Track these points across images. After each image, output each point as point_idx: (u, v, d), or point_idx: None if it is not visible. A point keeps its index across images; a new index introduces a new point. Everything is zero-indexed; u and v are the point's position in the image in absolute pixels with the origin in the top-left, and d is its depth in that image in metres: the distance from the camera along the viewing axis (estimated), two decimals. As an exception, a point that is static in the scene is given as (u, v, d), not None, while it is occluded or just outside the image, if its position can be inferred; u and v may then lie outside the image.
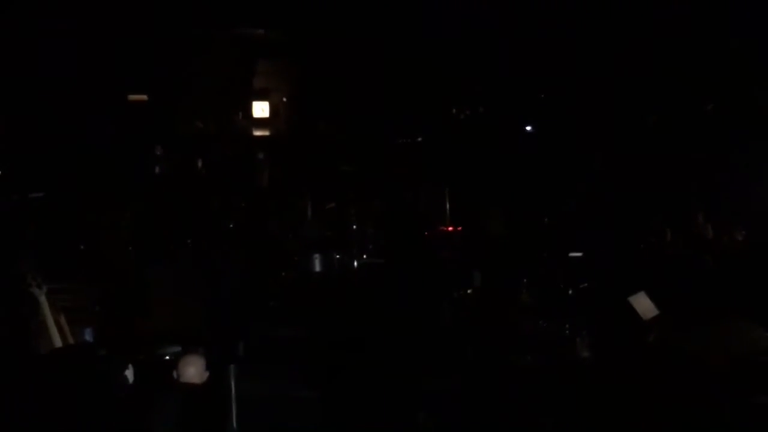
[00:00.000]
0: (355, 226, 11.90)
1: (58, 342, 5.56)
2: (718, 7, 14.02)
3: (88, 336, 9.83)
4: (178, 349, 7.92)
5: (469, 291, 9.86)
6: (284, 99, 19.38)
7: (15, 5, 12.79)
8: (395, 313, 9.44)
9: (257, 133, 18.98)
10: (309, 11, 15.12)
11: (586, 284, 11.48)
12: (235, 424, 6.02)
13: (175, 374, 5.60)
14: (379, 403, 7.47)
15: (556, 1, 14.43)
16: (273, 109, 19.04)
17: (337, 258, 11.72)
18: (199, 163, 18.64)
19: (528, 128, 18.89)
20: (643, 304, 11.11)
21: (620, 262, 10.42)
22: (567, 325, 10.62)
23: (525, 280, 12.15)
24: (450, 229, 10.94)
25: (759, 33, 14.01)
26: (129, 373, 5.34)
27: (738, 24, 14.14)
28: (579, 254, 11.47)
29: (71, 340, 5.87)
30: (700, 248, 13.46)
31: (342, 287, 11.26)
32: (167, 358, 7.57)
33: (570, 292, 11.25)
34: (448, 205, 11.67)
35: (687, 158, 15.32)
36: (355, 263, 11.28)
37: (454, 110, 19.09)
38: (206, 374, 5.71)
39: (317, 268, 11.30)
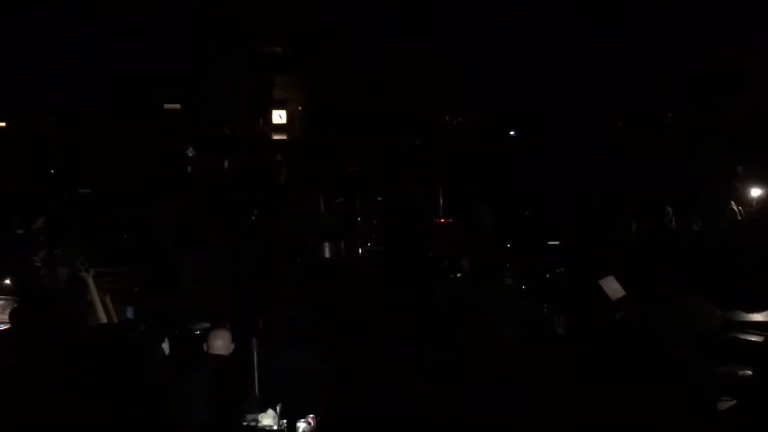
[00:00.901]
0: (360, 219, 11.87)
1: (103, 318, 5.57)
2: (680, 26, 14.00)
3: (130, 314, 9.83)
4: (207, 324, 7.93)
5: (459, 275, 9.84)
6: (299, 108, 19.36)
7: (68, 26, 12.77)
8: (395, 294, 9.44)
9: (276, 137, 18.97)
10: (321, 32, 15.09)
11: (561, 269, 11.48)
12: (257, 391, 6.02)
13: (205, 347, 5.61)
14: (382, 373, 7.47)
15: (539, 24, 14.42)
16: (289, 117, 19.03)
17: (344, 246, 11.69)
18: (226, 164, 18.64)
19: (512, 133, 18.89)
20: (612, 287, 11.10)
21: (591, 250, 10.41)
22: (545, 305, 10.62)
23: (508, 265, 12.15)
24: (442, 221, 10.92)
25: (714, 48, 13.99)
26: (165, 346, 5.35)
27: (696, 41, 14.13)
28: (556, 243, 11.46)
29: (115, 318, 5.88)
30: (663, 236, 13.47)
31: (348, 271, 11.25)
32: (198, 332, 7.57)
33: (547, 276, 11.24)
34: (441, 201, 11.64)
35: (651, 160, 15.31)
36: (360, 250, 11.26)
37: (447, 117, 19.08)
38: (232, 346, 5.72)
39: (327, 254, 11.28)
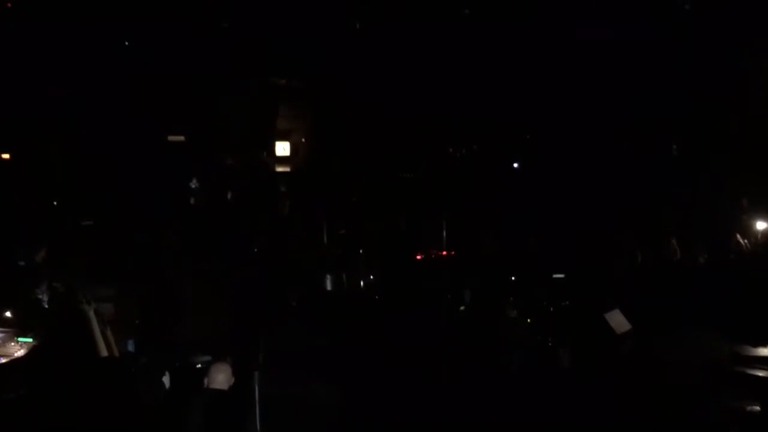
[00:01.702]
0: (361, 250, 11.83)
1: (104, 352, 5.52)
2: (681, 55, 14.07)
3: (131, 347, 9.78)
4: (208, 358, 7.87)
5: (461, 308, 9.77)
6: (303, 140, 19.43)
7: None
8: (398, 327, 9.38)
9: (279, 169, 19.01)
10: (324, 64, 15.21)
11: (567, 302, 11.41)
12: (258, 425, 5.94)
13: (206, 381, 5.55)
14: (387, 403, 7.42)
15: (540, 55, 14.53)
16: (293, 148, 19.09)
17: (346, 278, 11.62)
18: (229, 195, 18.65)
19: (515, 165, 18.93)
20: (617, 320, 11.02)
21: (596, 283, 10.35)
22: (550, 338, 10.55)
23: (511, 298, 12.07)
24: (444, 253, 10.88)
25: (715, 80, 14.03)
26: (166, 379, 5.30)
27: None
28: (561, 275, 11.41)
29: (116, 350, 5.83)
30: (669, 267, 13.41)
31: (350, 303, 11.18)
32: (199, 366, 7.50)
33: (551, 309, 11.19)
34: (444, 232, 11.61)
35: (657, 192, 15.31)
36: (362, 282, 11.20)
37: (450, 149, 19.12)
38: (232, 380, 5.66)
39: (329, 286, 11.22)
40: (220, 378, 5.58)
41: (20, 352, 8.39)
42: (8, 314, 9.58)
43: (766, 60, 13.08)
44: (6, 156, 15.27)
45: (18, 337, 8.97)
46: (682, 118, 14.92)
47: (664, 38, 13.66)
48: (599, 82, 14.12)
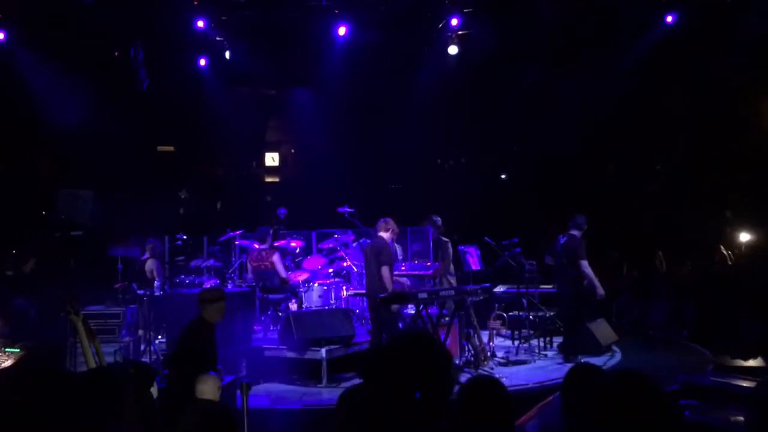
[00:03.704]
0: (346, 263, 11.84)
1: (92, 362, 5.51)
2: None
3: (119, 357, 9.77)
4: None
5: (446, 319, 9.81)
6: (292, 150, 19.45)
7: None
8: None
9: (268, 179, 19.02)
10: (315, 75, 15.25)
11: (553, 313, 11.47)
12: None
13: (195, 391, 5.56)
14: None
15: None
16: (282, 159, 19.12)
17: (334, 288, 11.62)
18: (218, 205, 18.65)
19: (503, 176, 19.05)
20: (603, 331, 11.10)
21: (581, 294, 10.40)
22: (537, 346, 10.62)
23: (496, 305, 12.14)
24: (429, 264, 10.90)
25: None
26: (154, 390, 5.29)
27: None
28: (550, 287, 11.48)
29: (104, 361, 5.82)
30: (655, 279, 13.54)
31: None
32: (187, 375, 7.49)
33: (533, 318, 11.24)
34: (431, 243, 11.65)
35: (642, 204, 15.47)
36: (344, 292, 11.21)
37: (438, 160, 19.22)
38: (219, 391, 5.67)
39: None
40: (207, 388, 5.59)
41: (7, 363, 8.38)
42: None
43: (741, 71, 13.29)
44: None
45: (5, 347, 8.97)
46: (664, 133, 15.08)
47: (650, 54, 13.82)
48: (588, 94, 14.26)
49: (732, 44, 12.77)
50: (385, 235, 9.41)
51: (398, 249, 11.14)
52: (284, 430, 7.39)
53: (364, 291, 10.46)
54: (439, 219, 11.48)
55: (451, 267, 11.44)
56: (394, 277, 9.53)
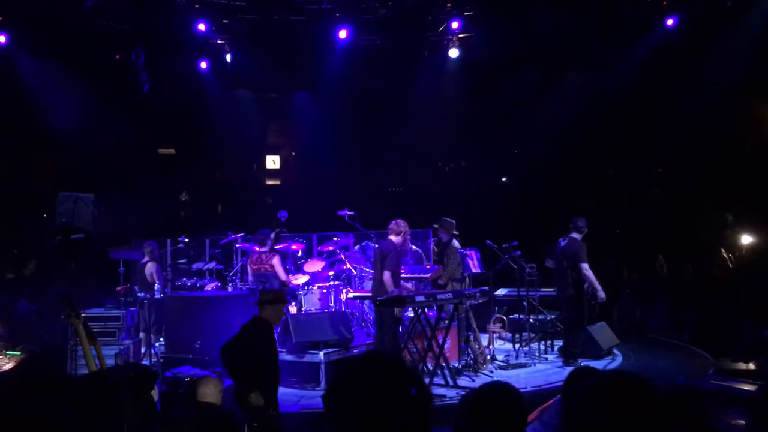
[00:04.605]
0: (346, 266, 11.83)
1: (92, 365, 5.51)
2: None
3: (119, 360, 9.76)
4: (197, 372, 7.86)
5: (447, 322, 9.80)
6: (293, 153, 19.48)
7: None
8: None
9: (269, 182, 19.05)
10: (316, 79, 15.25)
11: (553, 316, 11.46)
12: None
13: (195, 394, 5.55)
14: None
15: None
16: (283, 162, 19.15)
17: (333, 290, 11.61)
18: (219, 208, 18.66)
19: (504, 179, 19.05)
20: (604, 335, 11.09)
21: (582, 298, 10.40)
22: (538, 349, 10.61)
23: (497, 308, 12.11)
24: (428, 267, 10.86)
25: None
26: (154, 393, 5.29)
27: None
28: (551, 290, 11.46)
29: (105, 364, 5.82)
30: (656, 282, 13.55)
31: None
32: (188, 379, 7.50)
33: (533, 321, 11.22)
34: (432, 245, 11.63)
35: (642, 208, 15.48)
36: (344, 295, 11.18)
37: (439, 163, 19.22)
38: (221, 394, 5.66)
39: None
40: (208, 392, 5.58)
41: (8, 365, 8.38)
42: (-4, 327, 9.56)
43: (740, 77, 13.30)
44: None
45: (6, 350, 8.97)
46: (665, 136, 15.08)
47: (651, 57, 13.83)
48: (585, 99, 14.28)
49: (732, 47, 12.79)
50: (395, 238, 9.33)
51: (414, 249, 11.03)
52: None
53: (364, 293, 10.41)
54: (453, 222, 11.03)
55: (458, 272, 11.04)
56: (401, 282, 9.49)
